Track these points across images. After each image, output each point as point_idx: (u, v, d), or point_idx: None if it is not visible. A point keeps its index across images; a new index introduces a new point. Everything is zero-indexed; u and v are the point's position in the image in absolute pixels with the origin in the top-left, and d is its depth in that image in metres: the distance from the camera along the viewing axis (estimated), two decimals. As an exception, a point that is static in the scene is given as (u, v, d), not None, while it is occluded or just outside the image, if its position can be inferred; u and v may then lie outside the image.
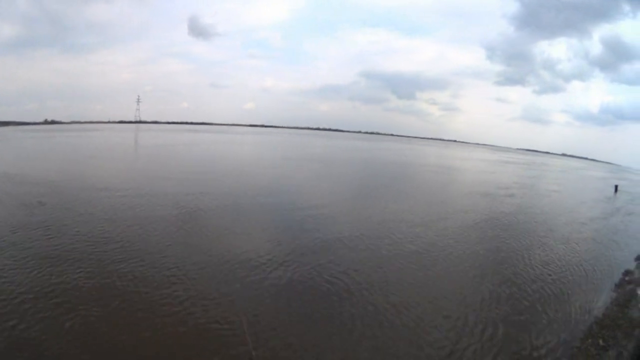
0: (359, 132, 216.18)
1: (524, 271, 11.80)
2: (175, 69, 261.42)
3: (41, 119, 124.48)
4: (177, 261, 10.16)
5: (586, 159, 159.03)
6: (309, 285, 9.51)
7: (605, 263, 13.42)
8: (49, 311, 7.33)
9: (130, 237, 11.71)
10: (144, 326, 7.19)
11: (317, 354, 6.94)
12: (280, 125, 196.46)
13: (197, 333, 7.15)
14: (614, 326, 8.75)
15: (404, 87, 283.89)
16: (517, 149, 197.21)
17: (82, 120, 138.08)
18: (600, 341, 8.08)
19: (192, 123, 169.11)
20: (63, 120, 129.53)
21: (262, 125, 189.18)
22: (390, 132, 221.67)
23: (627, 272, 12.75)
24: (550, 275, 11.65)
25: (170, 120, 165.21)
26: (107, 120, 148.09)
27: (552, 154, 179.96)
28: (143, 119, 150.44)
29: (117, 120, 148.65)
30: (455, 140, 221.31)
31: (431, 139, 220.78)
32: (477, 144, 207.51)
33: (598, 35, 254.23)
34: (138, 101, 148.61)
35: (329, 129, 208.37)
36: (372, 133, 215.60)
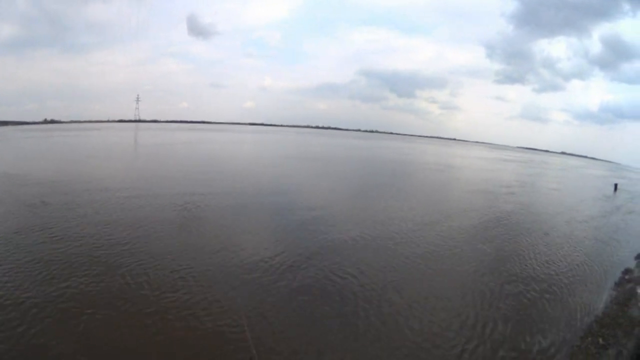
0: (358, 130, 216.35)
1: (525, 269, 11.85)
2: (175, 69, 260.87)
3: (41, 119, 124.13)
4: (181, 261, 10.18)
5: (585, 157, 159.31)
6: (312, 284, 9.52)
7: (606, 261, 13.47)
8: (57, 315, 7.32)
9: (134, 238, 11.69)
10: (147, 327, 7.23)
11: (319, 353, 6.96)
12: (280, 123, 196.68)
13: (199, 333, 7.18)
14: (614, 325, 8.79)
15: (403, 85, 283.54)
16: (517, 147, 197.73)
17: (82, 119, 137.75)
18: (600, 340, 8.11)
19: (191, 122, 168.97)
20: (62, 120, 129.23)
21: (262, 124, 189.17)
22: (389, 131, 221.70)
23: (627, 271, 12.79)
24: (551, 273, 11.70)
25: (169, 119, 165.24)
26: (106, 119, 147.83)
27: (551, 152, 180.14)
28: (142, 118, 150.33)
29: (116, 119, 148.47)
30: (454, 139, 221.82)
31: (430, 137, 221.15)
32: (477, 142, 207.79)
33: (598, 34, 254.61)
34: (137, 100, 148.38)
35: (328, 128, 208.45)
36: (371, 131, 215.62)
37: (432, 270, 11.17)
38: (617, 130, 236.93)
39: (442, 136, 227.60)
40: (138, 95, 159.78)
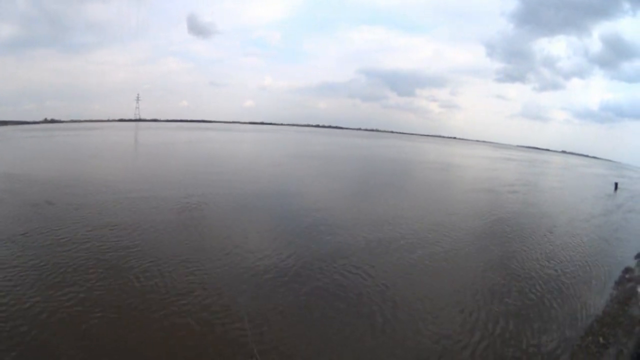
0: (359, 129, 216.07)
1: (528, 267, 11.96)
2: (174, 68, 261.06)
3: (41, 118, 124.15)
4: (185, 262, 10.25)
5: (586, 156, 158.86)
6: (318, 285, 9.57)
7: (606, 260, 13.52)
8: (65, 318, 7.36)
9: (140, 240, 11.74)
10: (151, 327, 7.31)
11: (322, 353, 7.02)
12: (280, 122, 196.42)
13: (202, 334, 7.25)
14: (615, 324, 8.84)
15: (404, 84, 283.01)
16: (517, 145, 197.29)
17: (82, 119, 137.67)
18: (601, 339, 8.16)
19: (191, 121, 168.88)
20: (62, 119, 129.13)
21: (262, 123, 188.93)
22: (389, 129, 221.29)
23: (627, 270, 12.84)
24: (553, 272, 11.78)
25: (169, 118, 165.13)
26: (106, 118, 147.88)
27: (551, 151, 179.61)
28: (143, 117, 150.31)
29: (116, 118, 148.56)
30: (454, 137, 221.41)
31: (431, 136, 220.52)
32: (477, 140, 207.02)
33: (598, 33, 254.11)
34: (137, 99, 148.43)
35: (329, 127, 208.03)
36: (371, 130, 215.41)
37: (439, 269, 11.25)
38: (617, 129, 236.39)
39: (442, 135, 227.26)
40: (138, 94, 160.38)
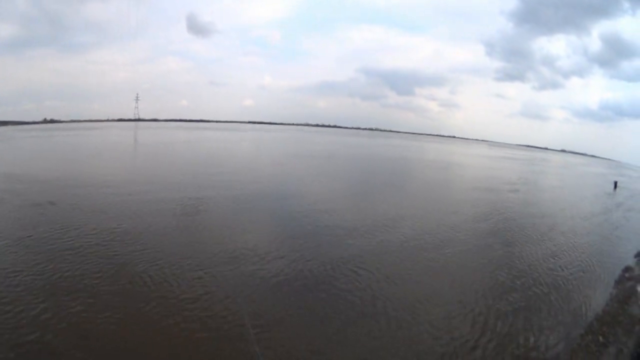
0: (358, 128, 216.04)
1: (531, 265, 12.09)
2: (174, 67, 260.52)
3: (40, 118, 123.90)
4: (188, 263, 10.28)
5: (585, 155, 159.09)
6: (317, 284, 9.62)
7: (606, 259, 13.60)
8: (70, 318, 7.39)
9: (143, 240, 11.77)
10: (153, 327, 7.37)
11: (322, 353, 7.07)
12: (280, 122, 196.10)
13: (203, 333, 7.30)
14: (614, 323, 8.90)
15: (403, 83, 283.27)
16: (516, 144, 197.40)
17: (81, 119, 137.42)
18: (600, 338, 8.22)
19: (191, 120, 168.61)
20: (62, 119, 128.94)
21: (261, 122, 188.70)
22: (389, 128, 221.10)
23: (627, 269, 12.90)
24: (553, 270, 11.87)
25: (169, 118, 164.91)
26: (106, 118, 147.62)
27: (551, 150, 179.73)
28: (142, 116, 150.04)
29: (116, 118, 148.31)
30: (454, 136, 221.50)
31: (430, 135, 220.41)
32: (476, 139, 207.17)
33: (597, 32, 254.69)
34: (137, 99, 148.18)
35: (328, 126, 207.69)
36: (371, 129, 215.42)
37: (440, 268, 11.31)
38: (616, 128, 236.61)
39: (441, 134, 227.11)
40: (137, 94, 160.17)
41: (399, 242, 13.18)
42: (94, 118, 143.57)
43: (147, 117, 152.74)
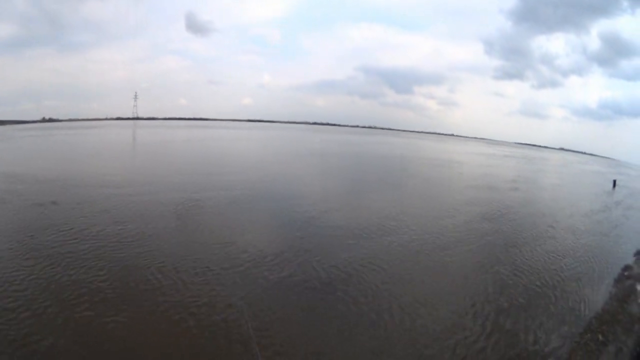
0: (357, 126, 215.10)
1: (528, 263, 12.15)
2: (173, 66, 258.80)
3: (39, 117, 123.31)
4: (191, 262, 10.33)
5: (584, 153, 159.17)
6: (317, 284, 9.66)
7: (605, 257, 13.67)
8: (75, 320, 7.41)
9: (146, 239, 11.81)
10: (154, 327, 7.41)
11: (322, 353, 7.13)
12: (278, 120, 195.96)
13: (205, 332, 7.35)
14: (613, 321, 8.98)
15: (402, 81, 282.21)
16: (515, 143, 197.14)
17: (80, 117, 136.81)
18: (600, 336, 8.28)
19: (190, 119, 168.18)
20: (61, 118, 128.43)
21: (260, 121, 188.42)
22: (388, 127, 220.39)
23: (627, 268, 12.99)
24: (552, 268, 11.95)
25: (168, 117, 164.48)
26: (104, 117, 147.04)
27: (550, 148, 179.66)
28: (140, 115, 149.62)
29: (114, 117, 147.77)
30: (452, 135, 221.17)
31: (429, 133, 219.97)
32: (475, 138, 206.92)
33: (596, 31, 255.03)
34: (135, 98, 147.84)
35: (327, 124, 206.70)
36: (369, 127, 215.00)
37: (441, 267, 11.39)
38: (615, 127, 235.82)
39: (440, 132, 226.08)
40: (136, 92, 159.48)
41: (400, 242, 13.22)
42: (92, 117, 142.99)
43: (145, 116, 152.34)
